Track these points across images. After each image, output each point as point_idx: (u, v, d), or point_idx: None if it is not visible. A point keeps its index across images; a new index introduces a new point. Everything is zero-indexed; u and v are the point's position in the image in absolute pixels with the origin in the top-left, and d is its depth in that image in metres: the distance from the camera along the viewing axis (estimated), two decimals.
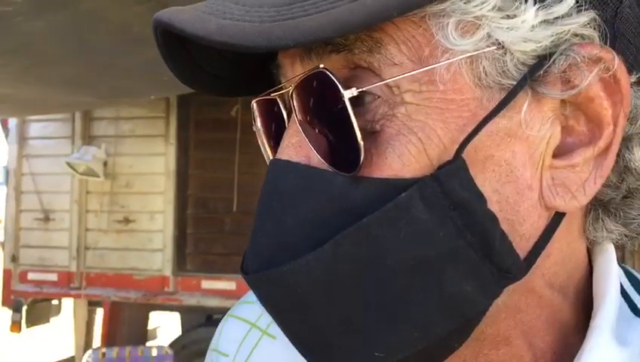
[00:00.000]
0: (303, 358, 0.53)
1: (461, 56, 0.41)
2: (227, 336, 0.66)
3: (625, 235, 0.50)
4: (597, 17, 0.42)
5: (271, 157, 0.51)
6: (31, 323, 5.17)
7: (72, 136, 4.95)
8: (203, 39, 0.40)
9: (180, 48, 0.48)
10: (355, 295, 0.43)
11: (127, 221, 4.82)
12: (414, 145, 0.41)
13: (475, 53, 0.41)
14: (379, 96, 0.42)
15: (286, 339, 0.55)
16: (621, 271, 0.53)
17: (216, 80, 0.52)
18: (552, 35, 0.41)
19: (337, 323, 0.44)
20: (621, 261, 0.52)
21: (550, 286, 0.47)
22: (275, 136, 0.51)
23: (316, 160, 0.44)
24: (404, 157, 0.41)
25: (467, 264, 0.42)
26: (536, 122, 0.43)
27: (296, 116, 0.45)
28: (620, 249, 0.52)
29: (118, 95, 3.75)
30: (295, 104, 0.45)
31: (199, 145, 4.77)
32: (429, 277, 0.42)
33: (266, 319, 0.64)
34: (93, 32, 2.29)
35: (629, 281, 0.53)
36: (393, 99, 0.42)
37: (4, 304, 5.11)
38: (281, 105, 0.49)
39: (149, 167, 4.78)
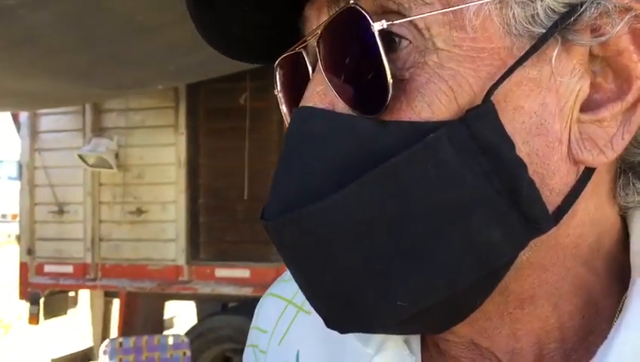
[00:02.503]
0: (335, 332, 0.53)
1: (496, 1, 0.41)
2: (265, 313, 0.68)
3: None
4: None
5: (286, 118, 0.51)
6: (48, 315, 5.23)
7: (83, 129, 4.98)
8: None
9: (208, 9, 0.48)
10: (378, 239, 0.42)
11: (139, 212, 4.85)
12: (445, 93, 0.41)
13: None
14: (409, 42, 0.42)
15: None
16: None
17: (243, 44, 0.52)
18: None
19: (359, 270, 0.43)
20: None
21: (576, 247, 0.46)
22: (298, 97, 0.50)
23: (341, 107, 0.44)
24: (433, 105, 0.41)
25: (494, 210, 0.41)
26: (565, 74, 0.42)
27: (322, 64, 0.45)
28: None
29: (125, 86, 3.76)
30: (321, 51, 0.45)
31: (209, 133, 4.78)
32: (455, 221, 0.41)
33: (301, 296, 0.63)
34: (97, 23, 2.29)
35: None
36: (424, 44, 0.41)
37: (21, 297, 5.17)
38: (306, 59, 0.48)
39: (160, 157, 4.80)
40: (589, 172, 0.44)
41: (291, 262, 0.47)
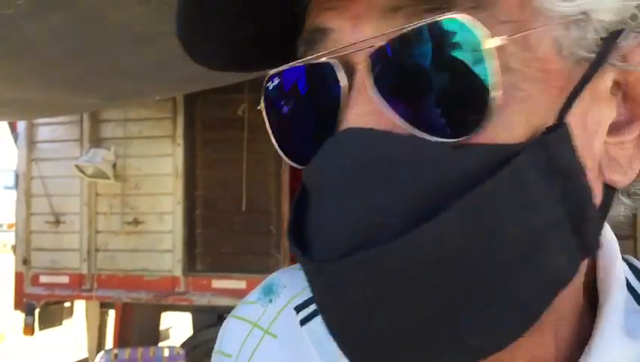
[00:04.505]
0: (303, 357, 0.51)
1: (558, 22, 0.41)
2: (229, 337, 0.65)
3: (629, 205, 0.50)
4: None
5: (274, 141, 0.49)
6: (44, 325, 5.19)
7: (81, 139, 4.97)
8: None
9: (200, 20, 0.46)
10: (464, 275, 0.38)
11: (136, 222, 4.83)
12: (520, 114, 0.40)
13: (569, 19, 0.41)
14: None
15: (287, 338, 0.52)
16: (624, 264, 0.52)
17: (230, 54, 0.50)
18: (623, 10, 0.42)
19: (437, 312, 0.39)
20: (633, 252, 0.52)
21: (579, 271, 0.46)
22: (293, 115, 0.47)
23: (400, 130, 0.40)
24: (511, 128, 0.40)
25: (564, 236, 0.40)
26: (601, 98, 0.44)
27: (376, 82, 0.41)
28: (632, 239, 0.52)
29: (123, 96, 3.75)
30: (377, 67, 0.40)
31: (207, 145, 4.77)
32: (537, 248, 0.39)
33: (267, 318, 0.63)
34: (95, 33, 2.29)
35: (633, 274, 0.52)
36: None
37: (16, 307, 5.13)
38: (337, 72, 0.43)
39: (157, 168, 4.78)
40: (611, 192, 0.45)
41: (344, 306, 0.41)
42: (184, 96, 4.62)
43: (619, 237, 0.50)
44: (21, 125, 5.18)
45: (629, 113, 0.45)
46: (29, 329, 5.08)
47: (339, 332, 0.42)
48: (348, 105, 0.42)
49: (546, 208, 0.40)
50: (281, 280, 0.66)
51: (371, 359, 0.41)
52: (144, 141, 4.85)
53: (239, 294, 4.45)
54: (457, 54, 0.39)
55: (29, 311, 5.04)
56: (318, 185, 0.42)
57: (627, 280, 0.50)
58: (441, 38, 0.39)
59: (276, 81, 0.48)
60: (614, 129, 0.45)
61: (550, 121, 0.41)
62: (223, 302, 4.53)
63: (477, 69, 0.38)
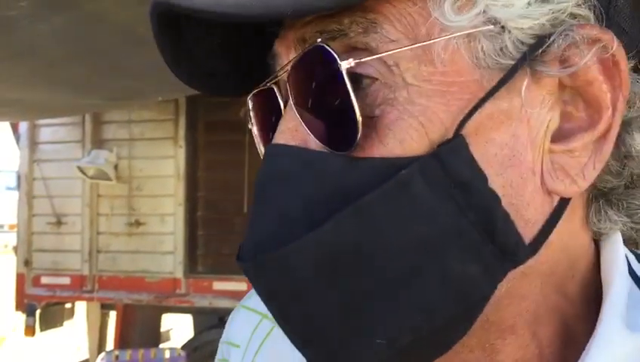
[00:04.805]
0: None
1: (458, 34, 0.41)
2: (238, 327, 0.66)
3: (631, 227, 0.49)
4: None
5: (261, 156, 0.50)
6: (45, 326, 5.20)
7: (83, 140, 4.98)
8: (201, 12, 0.41)
9: (177, 41, 0.48)
10: (355, 277, 0.42)
11: (138, 224, 4.84)
12: (415, 129, 0.41)
13: (472, 31, 0.41)
14: (377, 80, 0.42)
15: None
16: (632, 257, 0.52)
17: (212, 78, 0.52)
18: (549, 13, 0.41)
19: (336, 309, 0.43)
20: None
21: (552, 275, 0.47)
22: (272, 131, 0.50)
23: (313, 143, 0.44)
24: (405, 142, 0.41)
25: (470, 244, 0.41)
26: (535, 104, 0.43)
27: (292, 100, 0.45)
28: (634, 244, 0.52)
29: (125, 97, 3.76)
30: (291, 87, 0.45)
31: (208, 147, 4.78)
32: (431, 257, 0.41)
33: None
34: (97, 34, 2.30)
35: None
36: (393, 80, 0.42)
37: (17, 308, 5.14)
38: (277, 95, 0.49)
39: (159, 169, 4.79)
40: (564, 202, 0.45)
41: (269, 302, 0.46)
42: (186, 98, 4.63)
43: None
44: (23, 126, 5.19)
45: (588, 117, 0.44)
46: (29, 330, 5.09)
47: (275, 318, 0.47)
48: (280, 122, 0.47)
49: (440, 218, 0.40)
50: None
51: (303, 345, 0.45)
52: (146, 143, 4.86)
53: (240, 296, 4.39)
54: (326, 77, 0.42)
55: (30, 312, 5.05)
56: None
57: (634, 271, 0.50)
58: (318, 62, 0.43)
59: (251, 102, 0.53)
60: (563, 136, 0.44)
61: (451, 133, 0.41)
62: (223, 303, 4.54)
63: (339, 91, 0.41)
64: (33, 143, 5.16)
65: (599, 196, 0.49)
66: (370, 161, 0.41)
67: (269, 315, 0.62)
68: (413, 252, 0.41)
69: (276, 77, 0.49)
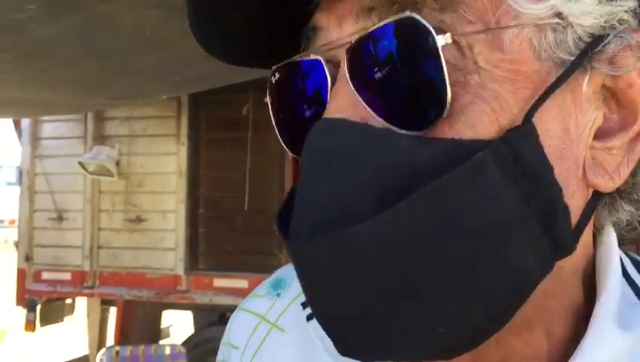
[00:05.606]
0: (310, 351, 0.52)
1: (531, 23, 0.41)
2: (238, 329, 0.67)
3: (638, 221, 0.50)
4: (637, 7, 0.44)
5: (277, 133, 0.50)
6: (45, 322, 5.20)
7: (85, 136, 4.98)
8: None
9: (211, 15, 0.47)
10: (422, 259, 0.40)
11: (139, 220, 4.84)
12: (487, 114, 0.41)
13: (542, 22, 0.42)
14: (448, 62, 0.40)
15: (294, 332, 0.53)
16: (627, 259, 0.53)
17: (238, 46, 0.51)
18: (607, 15, 0.42)
19: (397, 293, 0.41)
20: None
21: (574, 273, 0.48)
22: (307, 105, 0.49)
23: (374, 121, 0.42)
24: (477, 126, 0.41)
25: (531, 234, 0.41)
26: (585, 101, 0.44)
27: (351, 76, 0.43)
28: (635, 243, 0.53)
29: (131, 96, 3.77)
30: (353, 61, 0.43)
31: (210, 144, 4.79)
32: (498, 244, 0.40)
33: (274, 312, 0.64)
34: (106, 36, 2.31)
35: (635, 268, 0.54)
36: (464, 62, 0.41)
37: (18, 303, 5.14)
38: (325, 68, 0.46)
39: (161, 166, 4.79)
40: (597, 197, 0.46)
41: (316, 284, 0.44)
42: (189, 95, 4.63)
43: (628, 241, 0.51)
44: (25, 122, 5.18)
45: (621, 119, 0.45)
46: (30, 326, 5.09)
47: (315, 303, 0.45)
48: (330, 97, 0.45)
49: (509, 205, 0.40)
50: (290, 274, 0.66)
51: (351, 332, 0.43)
52: (148, 139, 4.86)
53: (241, 293, 4.46)
54: (412, 51, 0.41)
55: (30, 308, 5.05)
56: (300, 171, 0.44)
57: (628, 273, 0.52)
58: (399, 36, 0.41)
59: (277, 75, 0.51)
60: (603, 134, 0.45)
61: (520, 120, 0.41)
62: (224, 300, 4.55)
63: (428, 66, 0.40)
64: (35, 139, 5.16)
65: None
66: (441, 143, 0.40)
67: (268, 316, 0.64)
68: (481, 236, 0.40)
69: (330, 48, 0.46)
